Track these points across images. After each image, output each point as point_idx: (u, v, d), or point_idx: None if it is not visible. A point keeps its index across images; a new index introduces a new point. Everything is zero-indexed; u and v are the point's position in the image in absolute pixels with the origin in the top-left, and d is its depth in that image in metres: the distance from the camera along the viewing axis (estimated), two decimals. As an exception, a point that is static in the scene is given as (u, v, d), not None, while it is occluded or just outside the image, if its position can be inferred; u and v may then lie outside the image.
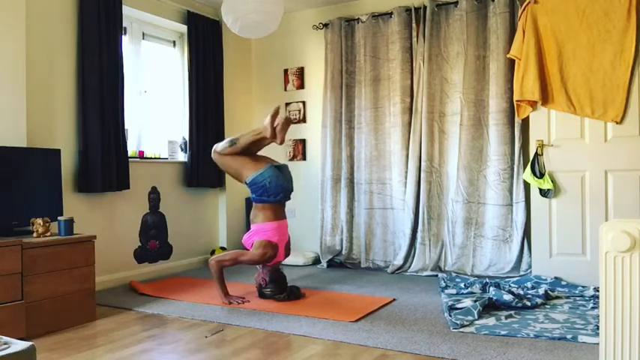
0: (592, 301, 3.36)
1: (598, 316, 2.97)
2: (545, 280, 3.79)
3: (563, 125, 3.86)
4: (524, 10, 3.90)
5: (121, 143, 4.12)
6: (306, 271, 4.71)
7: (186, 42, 4.91)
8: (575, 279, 3.78)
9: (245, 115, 5.57)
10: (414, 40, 4.68)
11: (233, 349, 2.68)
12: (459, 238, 4.41)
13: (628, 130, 3.68)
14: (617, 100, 3.66)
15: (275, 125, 3.63)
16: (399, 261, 4.59)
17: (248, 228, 3.92)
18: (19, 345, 1.59)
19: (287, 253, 3.75)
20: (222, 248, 5.18)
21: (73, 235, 3.20)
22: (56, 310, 3.04)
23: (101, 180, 3.94)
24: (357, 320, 3.10)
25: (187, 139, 4.90)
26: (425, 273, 4.43)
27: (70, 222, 3.21)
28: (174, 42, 5.05)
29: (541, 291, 3.52)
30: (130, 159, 4.27)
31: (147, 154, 4.63)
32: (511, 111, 4.22)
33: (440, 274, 4.29)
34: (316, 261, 5.05)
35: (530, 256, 4.06)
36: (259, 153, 3.84)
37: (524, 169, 4.04)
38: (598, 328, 2.75)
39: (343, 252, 4.91)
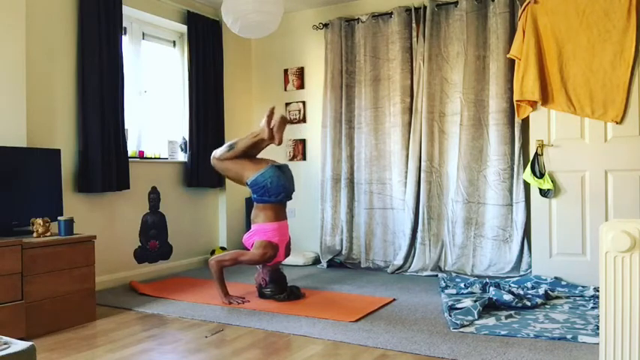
0: (592, 301, 3.36)
1: (598, 316, 2.97)
2: (545, 280, 3.80)
3: (563, 125, 3.86)
4: (524, 10, 3.90)
5: (121, 143, 4.12)
6: (306, 271, 4.71)
7: (186, 42, 4.91)
8: (575, 279, 3.78)
9: (245, 115, 5.57)
10: (414, 40, 4.68)
11: (233, 349, 2.67)
12: (459, 238, 4.41)
13: (628, 130, 3.68)
14: (617, 100, 3.66)
15: (272, 126, 3.64)
16: (399, 261, 4.59)
17: (248, 228, 3.92)
18: (19, 345, 1.59)
19: (287, 254, 3.75)
20: (222, 248, 5.18)
21: (73, 235, 3.20)
22: (56, 310, 3.04)
23: (101, 180, 3.94)
24: (357, 320, 3.10)
25: (187, 139, 4.90)
26: (425, 273, 4.43)
27: (70, 222, 3.21)
28: (174, 42, 5.05)
29: (541, 291, 3.52)
30: (130, 159, 4.27)
31: (147, 154, 4.63)
32: (511, 111, 4.22)
33: (440, 274, 4.29)
34: (316, 261, 5.05)
35: (530, 256, 4.06)
36: (259, 155, 3.84)
37: (524, 169, 4.04)
38: (598, 328, 2.75)
39: (343, 252, 4.91)
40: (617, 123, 3.69)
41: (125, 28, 4.45)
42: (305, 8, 5.28)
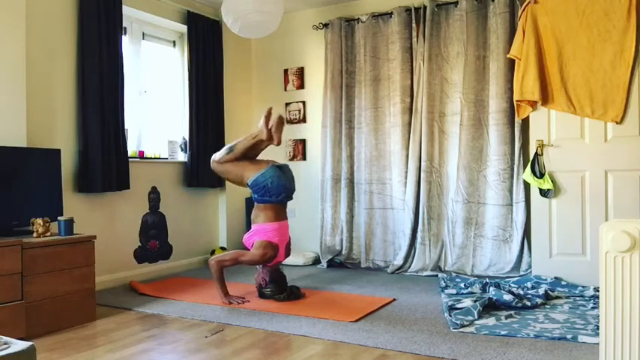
0: (592, 301, 3.36)
1: (598, 316, 2.97)
2: (545, 280, 3.79)
3: (563, 125, 3.86)
4: (524, 10, 3.90)
5: (121, 143, 4.12)
6: (306, 271, 4.71)
7: (186, 42, 4.91)
8: (575, 279, 3.78)
9: (245, 115, 5.57)
10: (414, 40, 4.68)
11: (233, 349, 2.68)
12: (459, 238, 4.41)
13: (628, 130, 3.68)
14: (617, 100, 3.66)
15: (270, 127, 3.64)
16: (399, 261, 4.59)
17: (248, 228, 3.92)
18: (19, 345, 1.59)
19: (287, 254, 3.75)
20: (222, 248, 5.18)
21: (73, 235, 3.20)
22: (56, 310, 3.04)
23: (101, 180, 3.94)
24: (357, 320, 3.10)
25: (187, 139, 4.90)
26: (425, 273, 4.43)
27: (70, 222, 3.21)
28: (174, 42, 5.05)
29: (541, 291, 3.52)
30: (130, 159, 4.27)
31: (147, 154, 4.63)
32: (511, 111, 4.22)
33: (440, 274, 4.29)
34: (316, 261, 5.05)
35: (530, 256, 4.06)
36: (259, 156, 3.84)
37: (524, 169, 4.04)
38: (598, 328, 2.75)
39: (343, 252, 4.91)
40: (617, 123, 3.69)
41: (125, 28, 4.45)
42: (305, 8, 5.28)
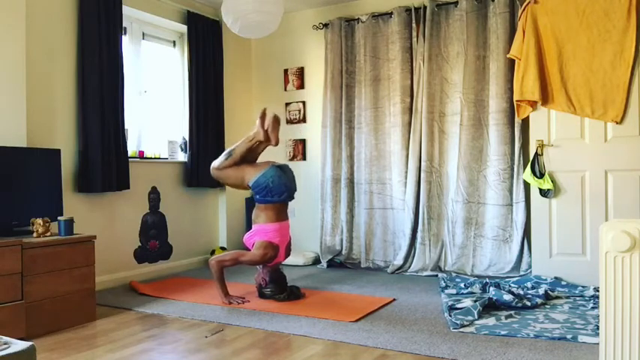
0: (592, 301, 3.36)
1: (598, 316, 2.97)
2: (545, 280, 3.79)
3: (563, 125, 3.86)
4: (524, 10, 3.90)
5: (121, 143, 4.12)
6: (306, 271, 4.71)
7: (186, 42, 4.91)
8: (575, 279, 3.78)
9: (245, 115, 5.57)
10: (414, 40, 4.68)
11: (233, 349, 2.68)
12: (459, 238, 4.41)
13: (628, 130, 3.68)
14: (617, 100, 3.66)
15: (266, 127, 3.64)
16: (399, 261, 4.59)
17: (248, 228, 3.93)
18: (19, 345, 1.59)
19: (287, 254, 3.75)
20: (222, 248, 5.18)
21: (73, 235, 3.20)
22: (56, 310, 3.04)
23: (101, 180, 3.94)
24: (357, 320, 3.10)
25: (187, 139, 4.90)
26: (425, 273, 4.43)
27: (70, 222, 3.21)
28: (174, 42, 5.05)
29: (541, 291, 3.52)
30: (130, 159, 4.27)
31: (147, 154, 4.63)
32: (511, 111, 4.22)
33: (440, 274, 4.29)
34: (316, 261, 5.05)
35: (530, 256, 4.06)
36: (258, 159, 3.84)
37: (524, 169, 4.04)
38: (598, 328, 2.75)
39: (343, 252, 4.91)
40: (617, 123, 3.69)
41: (125, 28, 4.45)
42: (305, 8, 5.28)
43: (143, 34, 4.73)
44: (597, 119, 3.74)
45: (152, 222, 4.59)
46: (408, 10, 4.69)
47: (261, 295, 3.68)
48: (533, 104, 3.92)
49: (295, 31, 5.36)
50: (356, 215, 4.92)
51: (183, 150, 4.96)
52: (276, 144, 3.74)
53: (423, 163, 4.56)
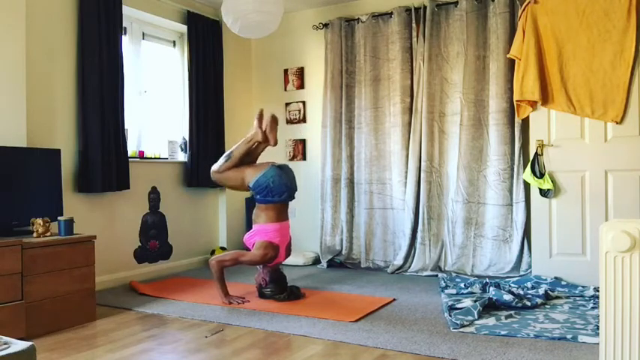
0: (592, 301, 3.36)
1: (598, 316, 2.97)
2: (545, 280, 3.79)
3: (563, 125, 3.86)
4: (524, 10, 3.90)
5: (121, 143, 4.12)
6: (306, 271, 4.71)
7: (186, 42, 4.91)
8: (575, 279, 3.78)
9: (245, 115, 5.56)
10: (414, 40, 4.68)
11: (233, 349, 2.68)
12: (459, 238, 4.41)
13: (628, 130, 3.68)
14: (617, 100, 3.66)
15: (264, 128, 3.64)
16: (399, 261, 4.59)
17: (248, 228, 3.93)
18: (19, 345, 1.59)
19: (287, 254, 3.75)
20: (222, 248, 5.18)
21: (73, 235, 3.20)
22: (56, 310, 3.04)
23: (101, 180, 3.94)
24: (357, 320, 3.10)
25: (187, 139, 4.90)
26: (425, 273, 4.43)
27: (70, 222, 3.21)
28: (174, 42, 5.05)
29: (541, 291, 3.52)
30: (130, 159, 4.27)
31: (147, 154, 4.63)
32: (511, 111, 4.22)
33: (440, 274, 4.29)
34: (316, 261, 5.05)
35: (530, 256, 4.06)
36: (257, 160, 3.84)
37: (524, 169, 4.04)
38: (598, 328, 2.75)
39: (343, 252, 4.91)
40: (617, 123, 3.69)
41: (125, 28, 4.45)
42: (305, 8, 5.28)
43: (143, 34, 4.73)
44: (597, 119, 3.74)
45: (152, 222, 4.59)
46: (408, 10, 4.69)
47: (261, 295, 3.68)
48: (533, 104, 3.92)
49: (295, 31, 5.36)
50: (356, 215, 4.92)
51: (183, 150, 4.96)
52: (275, 144, 3.74)
53: (423, 163, 4.56)
